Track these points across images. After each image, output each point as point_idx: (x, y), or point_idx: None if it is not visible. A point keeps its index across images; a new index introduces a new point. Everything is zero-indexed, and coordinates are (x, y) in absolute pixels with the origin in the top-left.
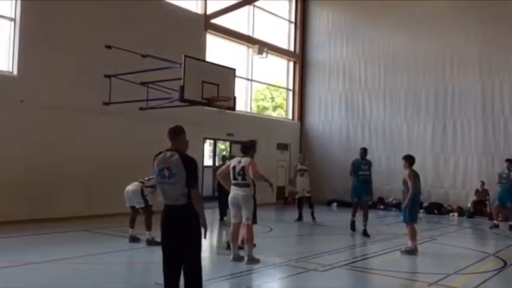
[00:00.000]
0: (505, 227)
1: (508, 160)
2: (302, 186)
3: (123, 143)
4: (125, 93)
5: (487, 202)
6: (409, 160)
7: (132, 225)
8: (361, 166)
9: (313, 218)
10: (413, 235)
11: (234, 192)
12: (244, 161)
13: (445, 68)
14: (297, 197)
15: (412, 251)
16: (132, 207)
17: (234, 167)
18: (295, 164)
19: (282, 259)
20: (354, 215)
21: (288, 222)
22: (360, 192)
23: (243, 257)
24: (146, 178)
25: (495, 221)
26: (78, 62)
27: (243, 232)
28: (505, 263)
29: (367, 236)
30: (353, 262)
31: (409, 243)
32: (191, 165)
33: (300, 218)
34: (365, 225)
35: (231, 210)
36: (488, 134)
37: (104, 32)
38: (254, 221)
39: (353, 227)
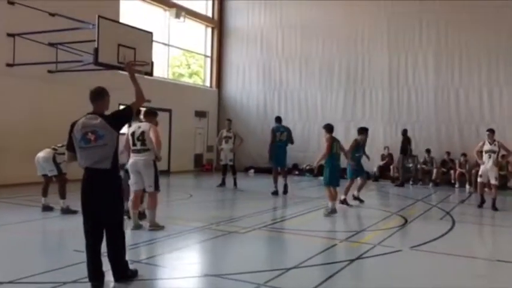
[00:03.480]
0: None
1: (362, 129)
2: (225, 153)
3: (30, 107)
4: (32, 54)
5: (391, 166)
6: (327, 128)
7: (44, 194)
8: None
9: (235, 184)
10: (331, 196)
11: (133, 158)
12: (144, 125)
13: (357, 39)
14: (221, 163)
15: (332, 211)
16: (45, 176)
17: (133, 133)
18: (221, 131)
19: (203, 223)
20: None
21: (207, 188)
22: None
23: (142, 226)
24: (59, 145)
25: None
26: None
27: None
28: (406, 220)
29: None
30: (271, 224)
31: (329, 204)
32: (116, 119)
33: (222, 184)
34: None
35: (132, 177)
36: (393, 103)
37: None
38: (157, 188)
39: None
